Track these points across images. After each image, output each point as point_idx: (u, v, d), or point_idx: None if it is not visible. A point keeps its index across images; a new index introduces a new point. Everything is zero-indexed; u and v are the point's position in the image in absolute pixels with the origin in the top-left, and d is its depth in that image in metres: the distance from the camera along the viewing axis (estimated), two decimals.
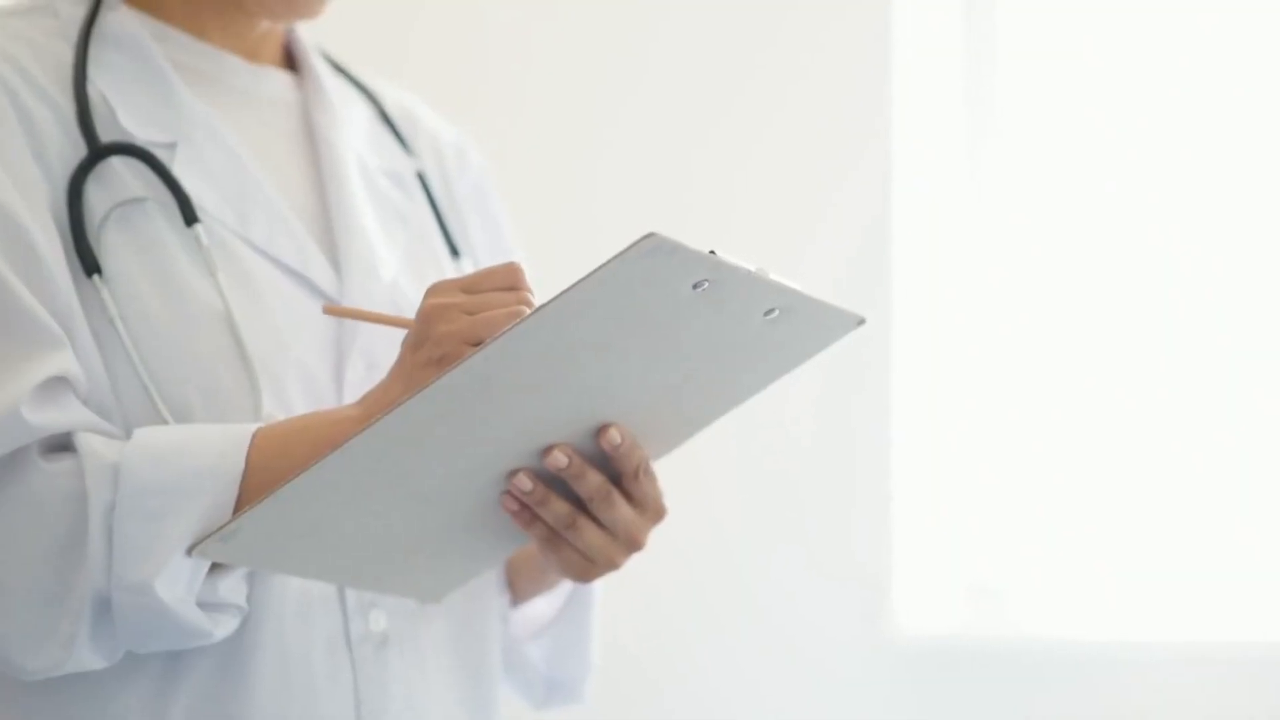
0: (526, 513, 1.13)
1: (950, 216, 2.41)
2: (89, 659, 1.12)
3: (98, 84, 1.23)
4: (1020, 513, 2.38)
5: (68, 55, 1.24)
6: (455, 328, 1.07)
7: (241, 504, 1.09)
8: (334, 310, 1.16)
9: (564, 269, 1.08)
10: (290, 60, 1.37)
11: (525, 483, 1.11)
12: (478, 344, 1.04)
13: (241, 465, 1.10)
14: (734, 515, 2.32)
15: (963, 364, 2.41)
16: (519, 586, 1.37)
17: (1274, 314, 2.33)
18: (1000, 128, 2.41)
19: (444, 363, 1.06)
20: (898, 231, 2.32)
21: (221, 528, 1.07)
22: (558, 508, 1.13)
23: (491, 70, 2.41)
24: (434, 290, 1.10)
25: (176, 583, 1.09)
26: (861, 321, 1.13)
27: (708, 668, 2.33)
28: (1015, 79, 2.41)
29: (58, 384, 1.12)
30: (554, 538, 1.15)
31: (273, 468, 1.09)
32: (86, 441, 1.11)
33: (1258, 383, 2.32)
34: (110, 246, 1.19)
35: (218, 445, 1.11)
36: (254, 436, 1.11)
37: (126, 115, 1.23)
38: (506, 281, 1.09)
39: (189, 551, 1.09)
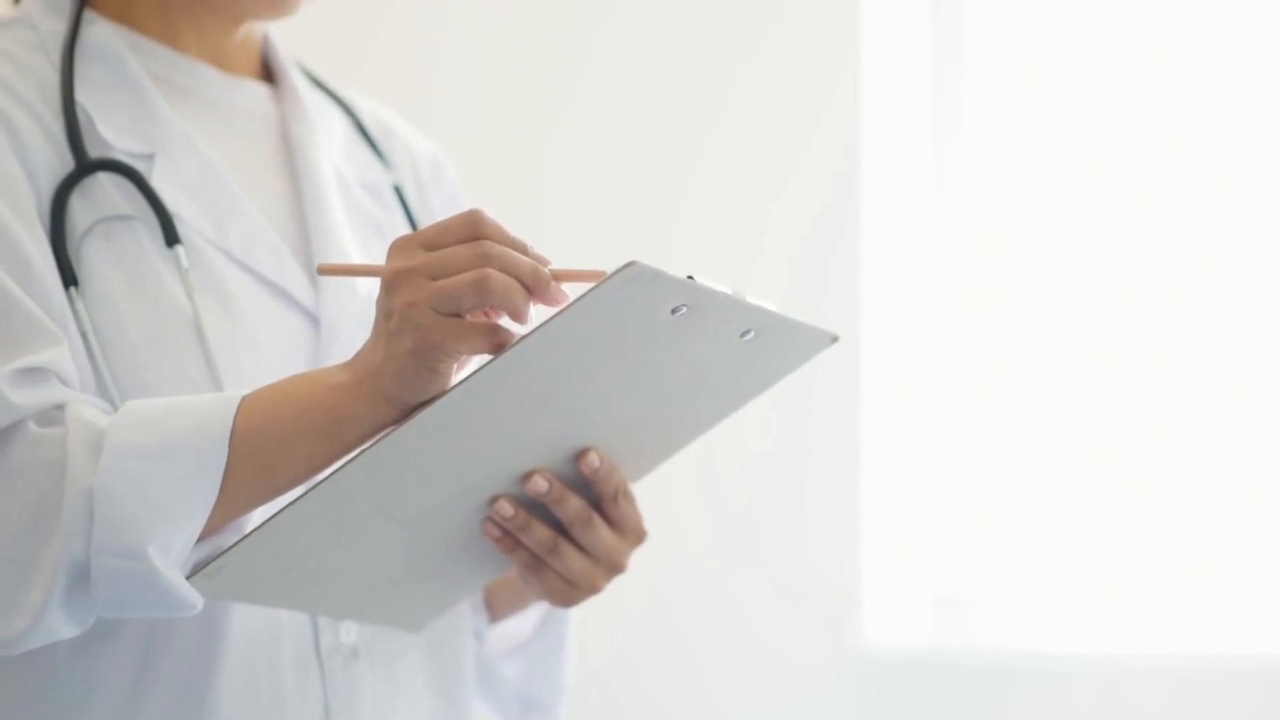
0: (508, 539, 1.14)
1: (919, 226, 2.41)
2: (61, 627, 1.09)
3: (79, 98, 1.23)
4: (988, 524, 2.39)
5: (47, 68, 1.24)
6: (420, 297, 1.03)
7: (231, 469, 1.07)
8: (327, 269, 1.13)
9: None
10: (267, 72, 1.36)
11: (506, 509, 1.12)
12: (446, 313, 1.02)
13: (229, 428, 1.08)
14: (701, 528, 2.31)
15: (930, 376, 2.41)
16: (497, 606, 1.37)
17: (1241, 322, 2.33)
18: (967, 132, 2.41)
19: (419, 335, 1.03)
20: (865, 240, 2.32)
21: (208, 564, 1.06)
22: (539, 533, 1.13)
23: (449, 66, 2.40)
24: (395, 250, 1.06)
25: (169, 550, 1.07)
26: (835, 339, 1.14)
27: (676, 682, 2.33)
28: (983, 76, 2.40)
29: (42, 371, 1.11)
30: (536, 563, 1.15)
31: (260, 431, 1.08)
32: (75, 410, 1.09)
33: (1225, 392, 2.32)
34: (91, 261, 1.19)
35: (204, 410, 1.09)
36: (241, 402, 1.09)
37: (106, 127, 1.23)
38: (467, 232, 1.04)
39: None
